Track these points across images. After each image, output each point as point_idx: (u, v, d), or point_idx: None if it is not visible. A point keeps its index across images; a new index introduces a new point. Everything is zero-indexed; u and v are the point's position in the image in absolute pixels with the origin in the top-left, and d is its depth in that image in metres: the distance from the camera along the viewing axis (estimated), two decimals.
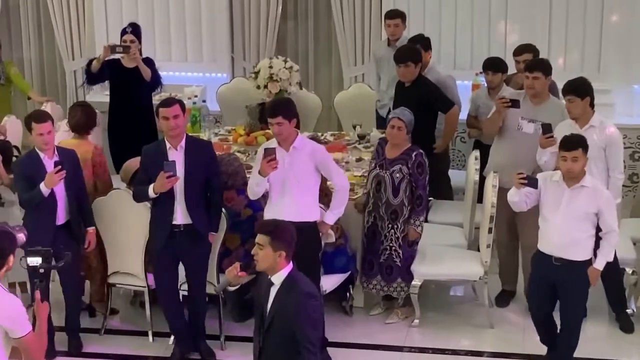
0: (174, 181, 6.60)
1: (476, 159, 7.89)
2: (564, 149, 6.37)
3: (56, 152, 6.92)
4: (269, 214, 6.77)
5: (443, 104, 8.30)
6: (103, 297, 7.57)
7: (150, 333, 7.24)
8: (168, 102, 6.78)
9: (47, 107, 9.15)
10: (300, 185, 6.74)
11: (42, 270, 5.02)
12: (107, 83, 9.26)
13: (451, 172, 9.03)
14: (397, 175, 7.27)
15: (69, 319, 7.24)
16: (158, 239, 6.82)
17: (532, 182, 6.49)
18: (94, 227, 7.13)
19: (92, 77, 9.05)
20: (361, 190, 7.64)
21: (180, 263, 6.92)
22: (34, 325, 4.93)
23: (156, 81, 9.04)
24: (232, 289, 4.93)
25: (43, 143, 6.84)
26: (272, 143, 6.83)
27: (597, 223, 6.43)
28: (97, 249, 7.33)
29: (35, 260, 5.03)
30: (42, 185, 6.74)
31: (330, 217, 6.92)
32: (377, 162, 7.41)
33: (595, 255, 6.49)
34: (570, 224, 6.40)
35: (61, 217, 6.95)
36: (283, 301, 4.91)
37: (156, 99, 9.50)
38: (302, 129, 9.49)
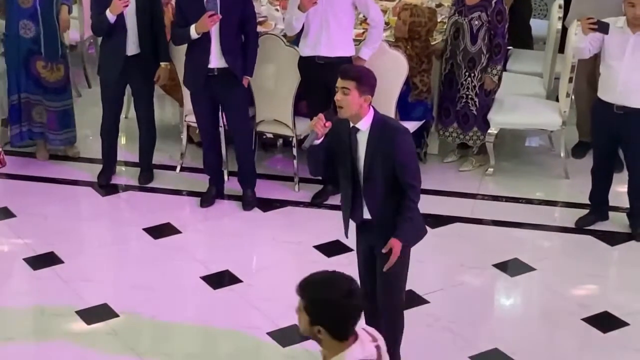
0: (216, 19, 6.50)
1: (560, 7, 7.70)
2: None
3: None
4: (306, 49, 6.87)
5: None
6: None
7: (225, 172, 7.29)
8: None
9: None
10: (337, 20, 6.76)
11: None
12: None
13: (533, 21, 8.83)
14: (476, 22, 7.13)
15: (142, 151, 7.38)
16: (194, 82, 6.79)
17: (602, 28, 6.28)
18: (167, 63, 7.10)
19: None
20: (439, 37, 7.53)
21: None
22: None
23: None
24: (317, 142, 4.83)
25: None
26: None
27: None
28: (172, 83, 7.35)
29: None
30: (107, 12, 6.77)
31: (366, 52, 6.90)
32: (457, 8, 7.26)
33: None
34: (634, 70, 6.27)
35: (131, 48, 6.96)
36: (379, 143, 4.70)
37: None
38: None
